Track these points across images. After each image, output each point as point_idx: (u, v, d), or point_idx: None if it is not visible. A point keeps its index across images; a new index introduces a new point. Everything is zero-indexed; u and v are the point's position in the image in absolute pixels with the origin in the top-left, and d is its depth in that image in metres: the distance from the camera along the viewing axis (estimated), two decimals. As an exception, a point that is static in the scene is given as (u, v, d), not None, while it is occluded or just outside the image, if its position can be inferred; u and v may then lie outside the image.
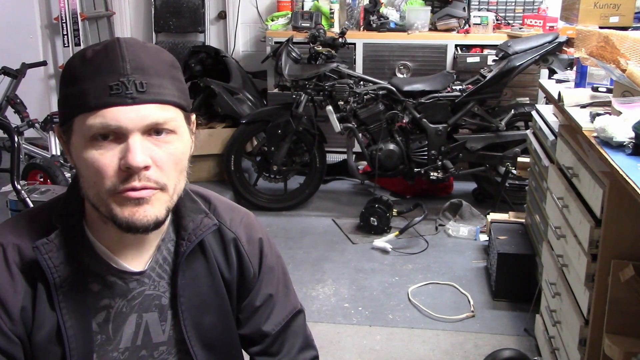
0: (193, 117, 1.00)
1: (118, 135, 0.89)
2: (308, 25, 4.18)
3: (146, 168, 0.89)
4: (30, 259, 0.94)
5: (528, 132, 2.96)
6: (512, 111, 3.60)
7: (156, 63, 0.92)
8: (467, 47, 4.04)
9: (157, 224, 0.93)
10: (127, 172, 0.89)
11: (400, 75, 4.08)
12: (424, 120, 3.61)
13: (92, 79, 0.88)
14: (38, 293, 0.94)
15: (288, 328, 1.15)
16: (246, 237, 1.12)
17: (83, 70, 0.89)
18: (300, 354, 1.16)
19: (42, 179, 3.69)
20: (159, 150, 0.91)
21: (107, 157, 0.88)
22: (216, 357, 1.08)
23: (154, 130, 0.91)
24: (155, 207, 0.92)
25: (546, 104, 3.10)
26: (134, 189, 0.89)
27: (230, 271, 1.09)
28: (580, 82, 2.26)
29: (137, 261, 1.01)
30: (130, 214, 0.90)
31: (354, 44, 4.12)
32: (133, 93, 0.88)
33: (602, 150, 1.53)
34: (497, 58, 3.63)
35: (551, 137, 2.41)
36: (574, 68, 2.45)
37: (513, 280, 2.74)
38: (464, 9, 4.09)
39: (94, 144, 0.89)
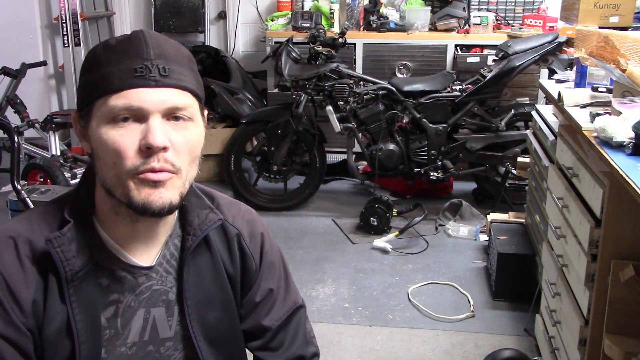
0: (205, 111, 1.03)
1: (138, 117, 0.92)
2: (308, 25, 4.18)
3: (165, 149, 0.92)
4: (42, 252, 0.95)
5: (528, 132, 2.96)
6: (512, 111, 3.60)
7: (177, 53, 0.96)
8: (467, 47, 4.05)
9: (171, 209, 0.95)
10: (147, 152, 0.91)
11: (400, 75, 4.08)
12: (424, 120, 3.61)
13: (116, 63, 0.92)
14: (49, 286, 0.95)
15: (288, 323, 1.16)
16: (248, 233, 1.13)
17: (107, 57, 0.93)
18: (300, 349, 1.16)
19: (42, 179, 3.69)
20: (177, 134, 0.94)
21: (127, 138, 0.91)
22: (221, 353, 1.08)
23: (173, 115, 0.94)
24: (170, 191, 0.94)
25: (546, 104, 3.10)
26: (153, 170, 0.92)
27: (234, 267, 1.11)
28: (580, 82, 2.26)
29: (145, 256, 1.02)
30: (147, 196, 0.92)
31: (354, 44, 4.12)
32: (156, 76, 0.92)
33: (602, 150, 1.53)
34: (497, 58, 3.63)
35: (551, 137, 2.41)
36: (574, 68, 2.45)
37: (513, 280, 2.74)
38: (464, 9, 4.09)
39: (114, 125, 0.92)
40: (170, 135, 0.93)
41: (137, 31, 0.95)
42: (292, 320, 1.16)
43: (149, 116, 0.91)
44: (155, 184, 0.92)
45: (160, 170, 0.92)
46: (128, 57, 0.92)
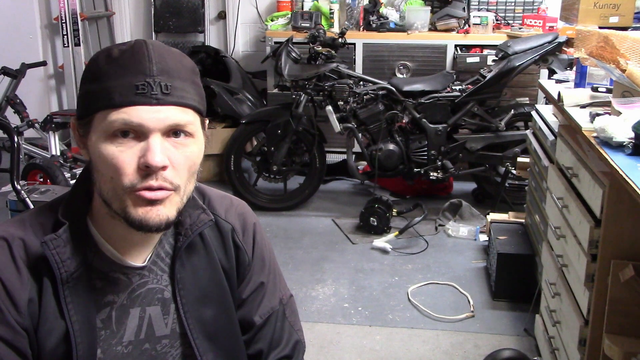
0: (206, 120, 1.03)
1: (138, 134, 0.91)
2: (308, 25, 4.18)
3: (163, 168, 0.92)
4: (36, 254, 0.95)
5: (528, 132, 2.96)
6: (512, 111, 3.60)
7: (180, 67, 0.95)
8: (467, 47, 4.05)
9: (168, 225, 0.95)
10: (146, 170, 0.91)
11: (400, 75, 4.08)
12: (424, 120, 3.61)
13: (118, 77, 0.90)
14: (44, 288, 0.95)
15: (277, 315, 1.17)
16: (241, 226, 1.15)
17: (109, 69, 0.92)
18: (286, 339, 1.17)
19: (41, 179, 3.69)
20: (176, 152, 0.94)
21: (126, 155, 0.91)
22: (219, 348, 1.09)
23: (173, 132, 0.93)
24: (168, 208, 0.94)
25: (546, 104, 3.10)
26: (151, 188, 0.91)
27: (229, 262, 1.12)
28: (580, 82, 2.26)
29: (139, 256, 1.03)
30: (144, 213, 0.92)
31: (354, 44, 4.12)
32: (158, 94, 0.90)
33: (601, 150, 1.53)
34: (496, 58, 3.63)
35: (551, 137, 2.41)
36: (574, 68, 2.45)
37: (513, 280, 2.74)
38: (464, 9, 4.09)
39: (114, 140, 0.91)
40: (169, 153, 0.92)
41: (140, 42, 0.93)
42: (280, 312, 1.18)
43: (149, 134, 0.91)
44: (153, 202, 0.92)
45: (159, 188, 0.92)
46: (130, 73, 0.90)
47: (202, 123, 1.00)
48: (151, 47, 0.93)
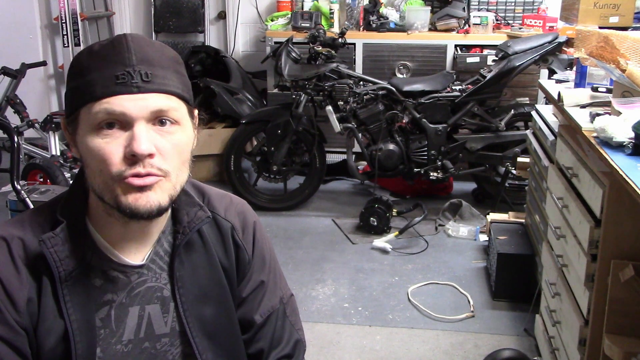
0: (196, 112, 1.03)
1: (123, 124, 0.92)
2: (308, 25, 4.18)
3: (150, 156, 0.92)
4: (35, 253, 0.96)
5: (528, 132, 2.96)
6: (512, 111, 3.60)
7: (160, 56, 0.95)
8: (467, 47, 4.05)
9: (160, 211, 0.95)
10: (132, 159, 0.91)
11: (400, 75, 4.08)
12: (424, 120, 3.61)
13: (98, 70, 0.92)
14: (43, 287, 0.96)
15: (277, 314, 1.17)
16: (241, 225, 1.15)
17: (90, 63, 0.93)
18: (286, 339, 1.18)
19: (41, 179, 3.69)
20: (163, 139, 0.94)
21: (112, 145, 0.91)
22: (218, 347, 1.08)
23: (158, 120, 0.94)
24: (159, 194, 0.94)
25: (546, 104, 3.10)
26: (139, 174, 0.92)
27: (229, 260, 1.12)
28: (580, 82, 2.26)
29: (137, 254, 1.03)
30: (134, 200, 0.92)
31: (354, 44, 4.12)
32: (138, 82, 0.91)
33: (601, 150, 1.53)
34: (496, 58, 3.63)
35: (551, 137, 2.41)
36: (574, 68, 2.45)
37: (513, 280, 2.74)
38: (464, 9, 4.09)
39: (99, 132, 0.92)
40: (156, 141, 0.93)
41: (120, 36, 0.95)
42: (280, 312, 1.17)
43: (133, 123, 0.91)
44: (142, 188, 0.93)
45: (147, 175, 0.92)
46: (110, 64, 0.91)
47: (190, 112, 1.00)
48: (130, 38, 0.94)
